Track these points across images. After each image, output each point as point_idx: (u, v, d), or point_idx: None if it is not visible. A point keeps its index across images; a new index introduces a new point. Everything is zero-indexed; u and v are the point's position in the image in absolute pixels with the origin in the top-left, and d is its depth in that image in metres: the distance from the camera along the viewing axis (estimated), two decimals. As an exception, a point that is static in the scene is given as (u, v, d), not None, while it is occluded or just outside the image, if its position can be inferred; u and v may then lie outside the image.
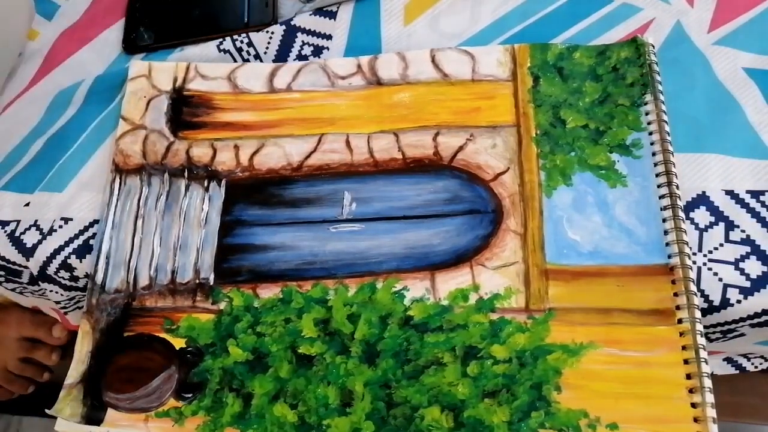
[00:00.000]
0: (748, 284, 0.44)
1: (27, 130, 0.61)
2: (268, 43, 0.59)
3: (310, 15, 0.59)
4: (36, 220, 0.55)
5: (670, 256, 0.45)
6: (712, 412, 0.40)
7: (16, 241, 0.54)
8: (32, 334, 0.69)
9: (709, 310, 0.45)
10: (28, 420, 1.03)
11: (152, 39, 0.62)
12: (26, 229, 0.55)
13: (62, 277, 0.54)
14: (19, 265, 0.55)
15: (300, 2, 0.60)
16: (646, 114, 0.49)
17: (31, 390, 0.73)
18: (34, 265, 0.54)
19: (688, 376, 0.42)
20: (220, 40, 0.59)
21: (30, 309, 0.68)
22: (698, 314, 0.43)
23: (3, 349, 0.69)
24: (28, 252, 0.54)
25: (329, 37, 0.59)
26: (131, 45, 0.62)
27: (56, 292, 0.56)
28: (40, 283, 0.55)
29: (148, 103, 0.57)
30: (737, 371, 0.57)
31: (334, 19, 0.59)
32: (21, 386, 0.72)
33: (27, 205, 0.56)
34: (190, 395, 0.47)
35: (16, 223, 0.55)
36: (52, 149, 0.59)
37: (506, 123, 0.52)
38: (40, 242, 0.54)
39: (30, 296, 0.62)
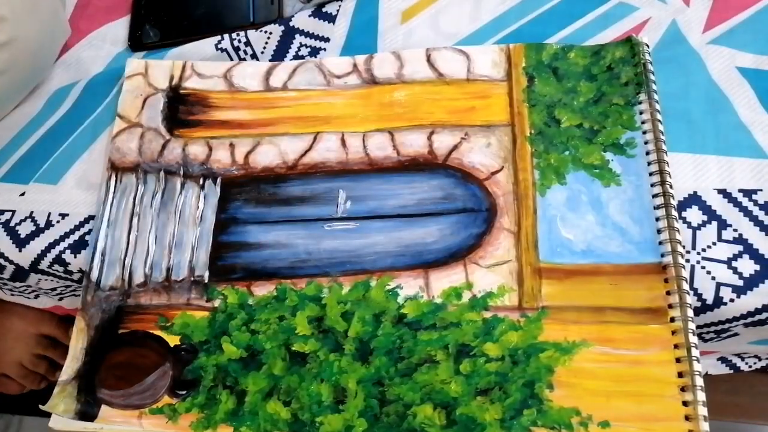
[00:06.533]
0: (741, 283, 0.44)
1: (25, 122, 0.61)
2: (266, 42, 0.59)
3: (310, 17, 0.59)
4: (31, 212, 0.55)
5: (663, 255, 0.45)
6: (703, 410, 0.40)
7: (10, 231, 0.55)
8: (50, 332, 0.70)
9: (703, 309, 0.45)
10: (28, 420, 1.03)
11: (158, 37, 0.62)
12: (21, 221, 0.55)
13: (56, 270, 0.54)
14: (6, 259, 0.55)
15: (300, 2, 0.61)
16: (641, 113, 0.49)
17: (43, 386, 0.74)
18: (25, 257, 0.54)
19: (680, 375, 0.42)
20: (219, 38, 0.60)
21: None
22: (690, 313, 0.43)
23: (20, 343, 0.70)
24: (21, 243, 0.54)
25: (327, 40, 0.59)
26: (137, 43, 0.62)
27: (50, 280, 0.57)
28: (32, 274, 0.56)
29: (144, 101, 0.57)
30: (731, 371, 0.57)
31: (333, 23, 0.59)
32: (33, 381, 0.73)
33: (22, 194, 0.56)
34: (184, 392, 0.47)
35: (11, 213, 0.56)
36: (48, 143, 0.59)
37: (501, 122, 0.52)
38: (34, 235, 0.54)
39: (8, 294, 0.62)
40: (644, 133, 0.49)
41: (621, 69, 0.51)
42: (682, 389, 0.41)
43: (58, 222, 0.55)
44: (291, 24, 0.59)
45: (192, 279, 0.50)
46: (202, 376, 0.47)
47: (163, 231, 0.52)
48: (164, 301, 0.50)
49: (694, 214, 0.47)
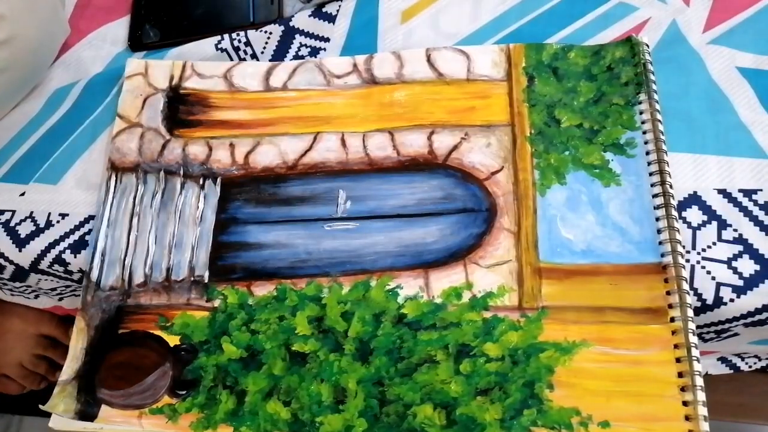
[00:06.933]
0: (741, 283, 0.44)
1: (25, 122, 0.61)
2: (266, 42, 0.59)
3: (310, 17, 0.59)
4: (31, 212, 0.55)
5: (663, 255, 0.45)
6: (703, 410, 0.40)
7: (10, 231, 0.55)
8: (50, 332, 0.70)
9: (703, 308, 0.45)
10: (28, 420, 1.03)
11: (158, 37, 0.62)
12: (21, 221, 0.55)
13: (56, 270, 0.54)
14: (6, 259, 0.55)
15: (300, 2, 0.61)
16: (641, 113, 0.49)
17: (43, 386, 0.74)
18: (25, 257, 0.54)
19: (680, 375, 0.42)
20: (219, 38, 0.60)
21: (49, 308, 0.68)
22: (690, 312, 0.43)
23: (20, 343, 0.70)
24: (21, 243, 0.54)
25: (327, 40, 0.59)
26: (137, 43, 0.62)
27: (50, 280, 0.57)
28: (32, 274, 0.56)
29: (144, 101, 0.57)
30: (732, 371, 0.57)
31: (333, 23, 0.59)
32: (33, 381, 0.73)
33: (22, 194, 0.56)
34: (184, 392, 0.47)
35: (11, 213, 0.56)
36: (48, 143, 0.59)
37: (501, 122, 0.52)
38: (34, 235, 0.54)
39: (8, 294, 0.63)
40: (644, 133, 0.49)
41: (621, 69, 0.51)
42: (682, 389, 0.41)
43: (58, 222, 0.55)
44: (291, 24, 0.59)
45: (192, 279, 0.50)
46: (202, 376, 0.47)
47: (163, 231, 0.52)
48: (164, 301, 0.50)
49: (694, 214, 0.47)
